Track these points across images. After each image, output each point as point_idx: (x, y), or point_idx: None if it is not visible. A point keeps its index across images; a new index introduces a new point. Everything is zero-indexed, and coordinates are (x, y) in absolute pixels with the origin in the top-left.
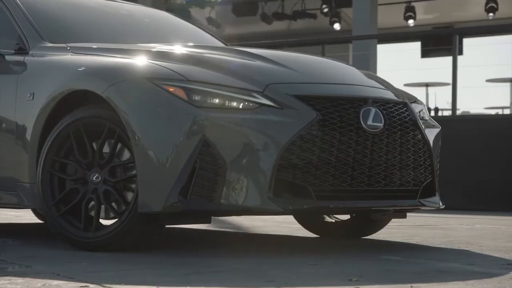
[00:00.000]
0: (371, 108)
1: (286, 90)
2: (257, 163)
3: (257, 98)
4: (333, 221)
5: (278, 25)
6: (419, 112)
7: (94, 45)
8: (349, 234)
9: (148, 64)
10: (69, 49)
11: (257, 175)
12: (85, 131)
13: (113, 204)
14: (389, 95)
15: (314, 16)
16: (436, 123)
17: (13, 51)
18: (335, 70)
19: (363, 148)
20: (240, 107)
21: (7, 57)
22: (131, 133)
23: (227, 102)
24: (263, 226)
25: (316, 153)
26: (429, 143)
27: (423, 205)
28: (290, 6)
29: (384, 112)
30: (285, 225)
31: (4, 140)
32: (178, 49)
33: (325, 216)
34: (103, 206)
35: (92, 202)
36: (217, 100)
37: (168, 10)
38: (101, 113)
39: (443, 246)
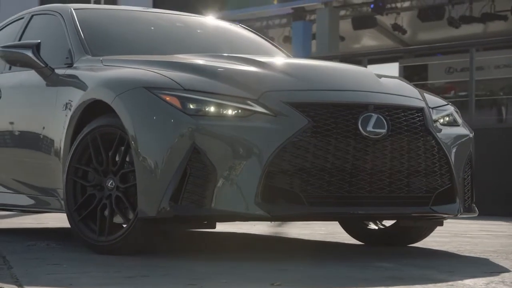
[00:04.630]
0: (372, 114)
1: (281, 98)
2: (246, 169)
3: (251, 105)
4: (377, 228)
5: (467, 29)
6: (445, 117)
7: (124, 57)
8: (394, 241)
9: (150, 74)
10: (102, 61)
11: (246, 181)
12: (101, 139)
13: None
14: (400, 100)
15: (504, 18)
16: (468, 129)
17: (63, 65)
18: (338, 76)
19: (363, 154)
20: (234, 114)
21: (57, 71)
22: (132, 141)
23: (221, 110)
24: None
25: (309, 159)
26: (444, 149)
27: (436, 212)
28: (479, 8)
29: (388, 118)
30: None
31: (47, 149)
32: (195, 58)
33: (369, 223)
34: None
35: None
36: (211, 108)
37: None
38: (114, 122)
39: (466, 254)
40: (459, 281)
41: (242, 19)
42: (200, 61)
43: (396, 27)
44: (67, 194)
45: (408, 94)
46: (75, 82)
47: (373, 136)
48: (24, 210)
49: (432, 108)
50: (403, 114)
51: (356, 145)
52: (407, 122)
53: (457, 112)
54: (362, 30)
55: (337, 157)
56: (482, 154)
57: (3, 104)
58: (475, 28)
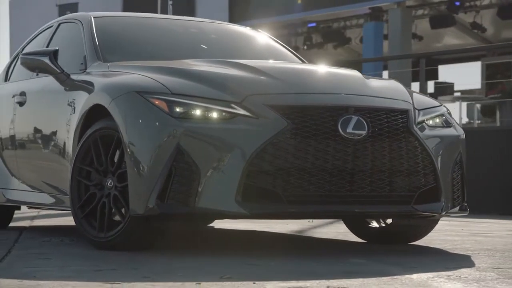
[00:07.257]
0: (352, 116)
1: (263, 101)
2: (227, 169)
3: (234, 108)
4: (377, 226)
5: None
6: (435, 118)
7: (128, 63)
8: (394, 239)
9: (143, 79)
10: (109, 67)
11: (228, 180)
12: (101, 141)
13: None
14: (383, 103)
15: None
16: (459, 130)
17: (79, 70)
18: (322, 80)
19: (344, 155)
20: (217, 117)
21: (72, 76)
22: (124, 143)
23: (205, 113)
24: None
25: (289, 159)
26: (428, 150)
27: (418, 210)
28: None
29: (369, 120)
30: None
31: (59, 151)
32: (193, 63)
33: (371, 222)
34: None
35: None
36: (196, 111)
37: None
38: (111, 125)
39: (456, 252)
40: (407, 275)
41: (319, 20)
42: (194, 66)
43: (474, 25)
44: (71, 192)
45: (395, 96)
46: (84, 87)
47: (354, 138)
48: (49, 208)
49: (420, 109)
50: (385, 116)
51: (336, 146)
52: (389, 124)
53: (449, 113)
54: (443, 29)
55: (316, 157)
56: None
57: (27, 108)
58: None
